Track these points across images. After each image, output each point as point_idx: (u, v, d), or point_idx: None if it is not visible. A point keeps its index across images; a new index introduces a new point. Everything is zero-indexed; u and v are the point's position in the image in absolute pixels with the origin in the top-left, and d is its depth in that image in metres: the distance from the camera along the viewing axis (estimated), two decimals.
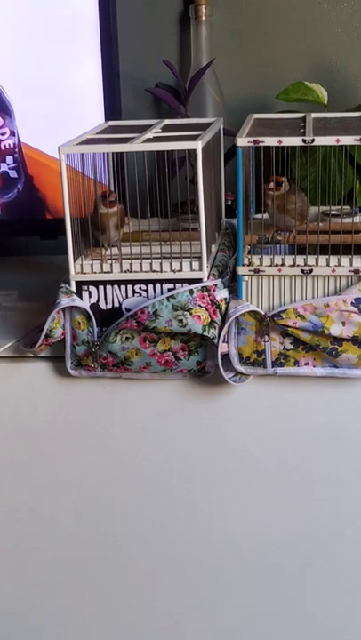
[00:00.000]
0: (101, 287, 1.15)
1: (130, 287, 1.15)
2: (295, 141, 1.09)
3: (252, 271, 1.13)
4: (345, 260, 1.11)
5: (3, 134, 1.42)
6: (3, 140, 1.42)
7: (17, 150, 1.42)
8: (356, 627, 1.26)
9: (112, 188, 1.23)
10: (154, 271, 1.14)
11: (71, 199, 1.12)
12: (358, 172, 1.39)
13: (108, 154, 1.21)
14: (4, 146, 1.42)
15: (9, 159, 1.42)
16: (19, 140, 1.42)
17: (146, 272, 1.14)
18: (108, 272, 1.15)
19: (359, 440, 1.19)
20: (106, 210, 1.16)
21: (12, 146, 1.42)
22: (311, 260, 1.12)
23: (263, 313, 1.12)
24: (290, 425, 1.19)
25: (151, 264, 1.14)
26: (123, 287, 1.15)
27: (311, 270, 1.12)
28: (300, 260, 1.12)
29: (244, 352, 1.14)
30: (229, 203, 1.42)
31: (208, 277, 1.14)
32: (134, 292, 1.15)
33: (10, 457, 1.24)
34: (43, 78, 1.41)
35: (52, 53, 1.41)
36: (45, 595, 1.30)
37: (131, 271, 1.15)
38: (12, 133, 1.42)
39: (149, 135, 1.17)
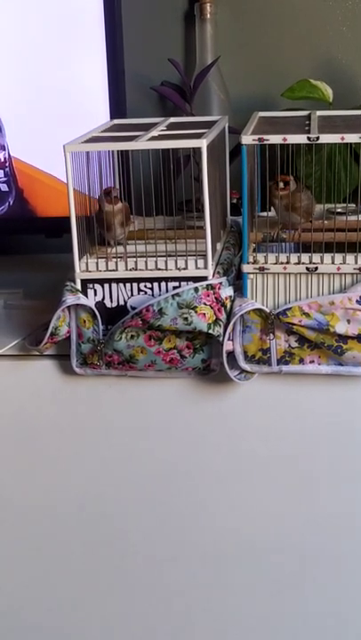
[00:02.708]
0: (107, 285, 1.15)
1: (135, 285, 1.15)
2: (300, 139, 1.09)
3: (257, 269, 1.13)
4: (350, 257, 1.11)
5: None
6: None
7: (7, 164, 1.42)
8: (358, 625, 1.26)
9: (117, 186, 1.23)
10: (159, 269, 1.14)
11: (76, 198, 1.12)
12: None
13: (113, 152, 1.21)
14: None
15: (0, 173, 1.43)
16: (9, 154, 1.43)
17: (151, 270, 1.14)
18: (114, 270, 1.15)
19: None
20: (110, 207, 1.16)
21: (2, 160, 1.43)
22: (316, 257, 1.12)
23: (268, 311, 1.12)
24: (295, 423, 1.19)
25: (156, 262, 1.14)
26: (128, 285, 1.15)
27: (316, 268, 1.12)
28: (305, 257, 1.12)
29: (250, 350, 1.14)
30: (235, 201, 1.42)
31: (213, 275, 1.14)
32: (139, 290, 1.15)
33: (15, 454, 1.24)
34: (47, 76, 1.42)
35: (57, 52, 1.41)
36: (47, 592, 1.30)
37: (136, 269, 1.15)
38: (2, 147, 1.42)
39: (155, 133, 1.18)
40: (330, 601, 1.25)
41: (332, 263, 1.11)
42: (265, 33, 1.61)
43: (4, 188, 1.43)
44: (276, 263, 1.12)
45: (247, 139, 1.09)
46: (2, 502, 1.27)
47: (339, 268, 1.11)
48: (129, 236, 1.20)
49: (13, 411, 1.23)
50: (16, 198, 1.45)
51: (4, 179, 1.43)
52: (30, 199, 1.45)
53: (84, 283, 1.16)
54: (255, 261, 1.13)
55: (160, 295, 1.13)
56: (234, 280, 1.18)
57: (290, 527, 1.22)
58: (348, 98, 1.55)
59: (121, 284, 1.15)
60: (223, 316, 1.13)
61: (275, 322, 1.12)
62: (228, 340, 1.13)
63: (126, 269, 1.15)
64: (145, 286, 1.15)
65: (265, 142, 1.09)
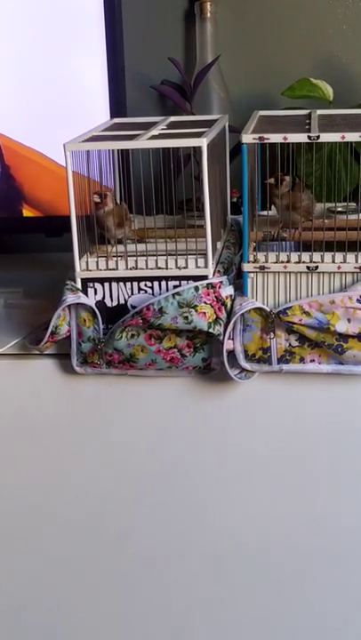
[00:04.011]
0: (107, 284, 1.15)
1: (135, 284, 1.15)
2: (300, 138, 1.09)
3: (257, 268, 1.13)
4: (350, 256, 1.11)
5: None
6: None
7: None
8: (358, 625, 1.26)
9: (117, 185, 1.23)
10: (159, 268, 1.14)
11: (76, 197, 1.12)
12: None
13: (113, 151, 1.21)
14: None
15: None
16: None
17: (151, 269, 1.14)
18: (114, 269, 1.15)
19: None
20: (101, 210, 1.16)
21: None
22: (317, 256, 1.12)
23: (269, 310, 1.12)
24: (295, 422, 1.19)
25: (157, 261, 1.14)
26: (128, 284, 1.15)
27: (317, 267, 1.12)
28: (305, 256, 1.12)
29: (250, 349, 1.14)
30: (235, 200, 1.42)
31: (213, 274, 1.14)
32: (140, 289, 1.15)
33: (15, 453, 1.24)
34: (47, 75, 1.41)
35: (57, 50, 1.41)
36: (47, 591, 1.30)
37: (136, 268, 1.15)
38: None
39: (155, 132, 1.18)
40: (330, 601, 1.25)
41: (333, 262, 1.11)
42: (265, 32, 1.61)
43: None
44: (276, 262, 1.12)
45: (247, 137, 1.09)
46: (1, 501, 1.27)
47: (339, 267, 1.11)
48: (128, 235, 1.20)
49: (13, 410, 1.23)
50: (3, 174, 1.45)
51: None
52: (17, 176, 1.45)
53: (85, 282, 1.16)
54: (256, 260, 1.13)
55: (160, 294, 1.12)
56: (234, 279, 1.18)
57: (290, 526, 1.22)
58: (348, 96, 1.55)
59: (121, 283, 1.15)
60: (223, 315, 1.13)
61: (275, 321, 1.12)
62: (229, 338, 1.13)
63: (127, 268, 1.15)
64: (145, 285, 1.15)
65: (265, 141, 1.09)
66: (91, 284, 1.16)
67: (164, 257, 1.14)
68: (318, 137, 1.08)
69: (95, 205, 1.16)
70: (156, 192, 1.16)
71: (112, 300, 1.16)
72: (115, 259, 1.16)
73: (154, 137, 1.15)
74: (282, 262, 1.12)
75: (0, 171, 1.44)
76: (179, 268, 1.14)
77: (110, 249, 1.18)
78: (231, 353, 1.14)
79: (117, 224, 1.17)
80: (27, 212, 1.47)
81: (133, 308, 1.15)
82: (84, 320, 1.15)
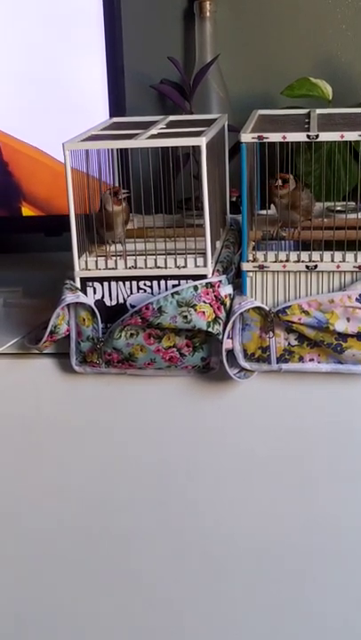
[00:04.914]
0: (106, 283, 1.15)
1: (134, 283, 1.15)
2: (300, 137, 1.08)
3: (256, 267, 1.13)
4: (350, 255, 1.11)
5: None
6: None
7: None
8: (358, 625, 1.26)
9: (117, 185, 1.23)
10: (158, 267, 1.14)
11: (75, 196, 1.12)
12: None
13: (112, 150, 1.21)
14: None
15: None
16: None
17: (150, 268, 1.14)
18: (113, 268, 1.15)
19: None
20: (118, 207, 1.16)
21: None
22: (316, 255, 1.12)
23: (268, 309, 1.12)
24: (294, 421, 1.18)
25: (156, 260, 1.14)
26: (127, 283, 1.15)
27: (316, 266, 1.11)
28: (304, 255, 1.12)
29: (249, 348, 1.14)
30: (234, 199, 1.42)
31: (213, 273, 1.14)
32: (139, 288, 1.15)
33: (14, 452, 1.24)
34: (47, 74, 1.41)
35: (57, 49, 1.41)
36: (47, 591, 1.30)
37: (135, 267, 1.15)
38: None
39: (154, 131, 1.17)
40: (330, 601, 1.25)
41: (332, 261, 1.11)
42: (264, 31, 1.61)
43: None
44: (275, 261, 1.12)
45: (247, 137, 1.09)
46: (1, 500, 1.27)
47: (338, 266, 1.11)
48: (128, 234, 1.19)
49: (13, 409, 1.23)
50: (0, 170, 1.45)
51: None
52: (15, 172, 1.45)
53: (84, 281, 1.16)
54: (255, 259, 1.13)
55: (159, 293, 1.12)
56: (233, 278, 1.18)
57: (289, 526, 1.22)
58: (347, 96, 1.55)
59: (120, 283, 1.15)
60: (223, 315, 1.13)
61: (274, 320, 1.12)
62: (228, 338, 1.13)
63: (126, 268, 1.15)
64: (144, 284, 1.15)
65: (264, 140, 1.09)
66: (90, 284, 1.16)
67: (164, 256, 1.14)
68: (317, 136, 1.08)
69: (114, 202, 1.16)
70: (155, 191, 1.16)
71: (111, 300, 1.16)
72: (114, 258, 1.16)
73: (153, 136, 1.15)
74: (281, 261, 1.12)
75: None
76: (178, 267, 1.14)
77: (109, 248, 1.18)
78: (230, 352, 1.14)
79: (124, 223, 1.17)
80: (26, 211, 1.47)
81: (132, 307, 1.15)
82: (84, 319, 1.15)
